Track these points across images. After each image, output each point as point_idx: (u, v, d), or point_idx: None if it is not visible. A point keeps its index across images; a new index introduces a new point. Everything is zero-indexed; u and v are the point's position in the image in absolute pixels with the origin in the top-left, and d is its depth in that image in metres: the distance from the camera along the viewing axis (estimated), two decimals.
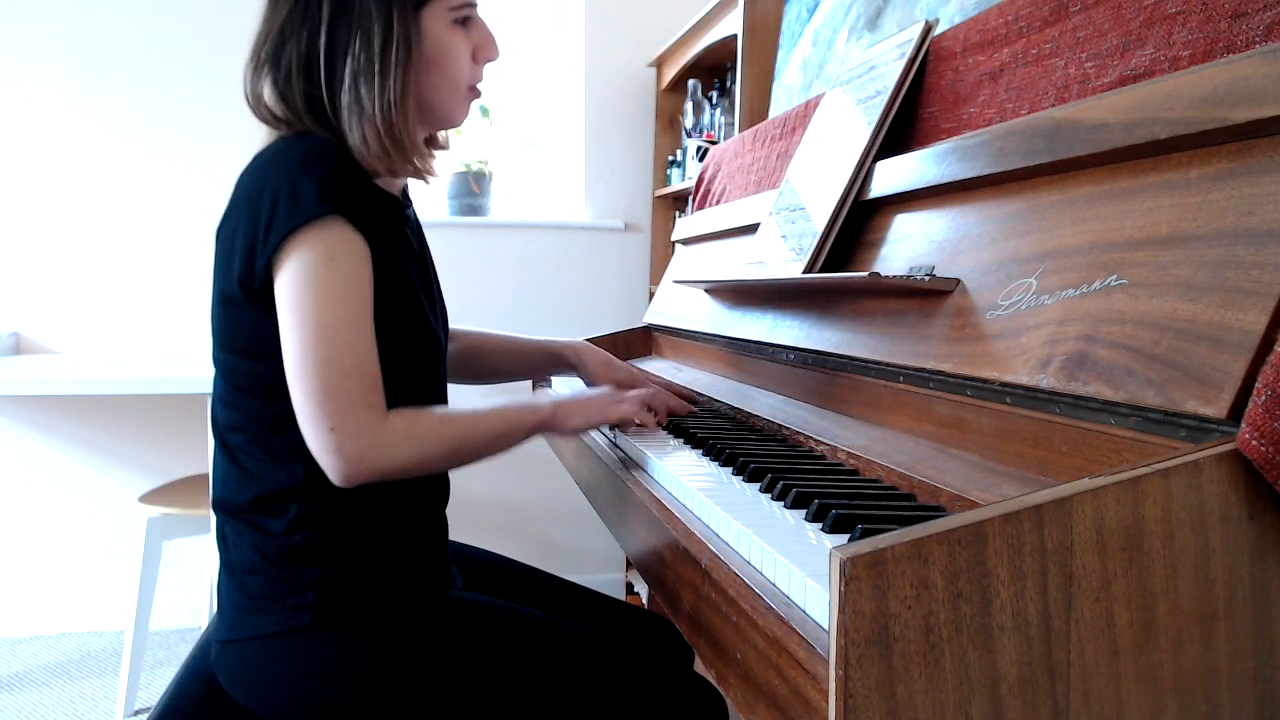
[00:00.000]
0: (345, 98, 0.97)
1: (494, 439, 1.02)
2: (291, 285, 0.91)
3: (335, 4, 0.97)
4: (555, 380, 1.74)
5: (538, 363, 1.42)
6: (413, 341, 1.04)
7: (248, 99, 1.02)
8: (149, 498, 2.22)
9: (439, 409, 1.00)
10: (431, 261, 1.17)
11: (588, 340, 1.46)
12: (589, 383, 1.42)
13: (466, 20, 1.03)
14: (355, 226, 0.94)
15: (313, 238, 0.91)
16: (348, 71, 0.97)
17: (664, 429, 1.23)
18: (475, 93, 1.08)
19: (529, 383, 1.90)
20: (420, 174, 1.06)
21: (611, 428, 1.22)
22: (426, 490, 1.08)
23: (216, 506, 1.03)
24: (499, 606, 1.05)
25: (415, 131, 1.02)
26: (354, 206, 0.94)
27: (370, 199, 0.98)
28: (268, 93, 1.00)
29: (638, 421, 1.16)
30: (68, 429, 2.65)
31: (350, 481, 0.92)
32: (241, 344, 0.98)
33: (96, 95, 2.60)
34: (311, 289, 0.91)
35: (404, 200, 1.11)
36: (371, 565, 0.99)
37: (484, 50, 1.06)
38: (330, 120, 0.99)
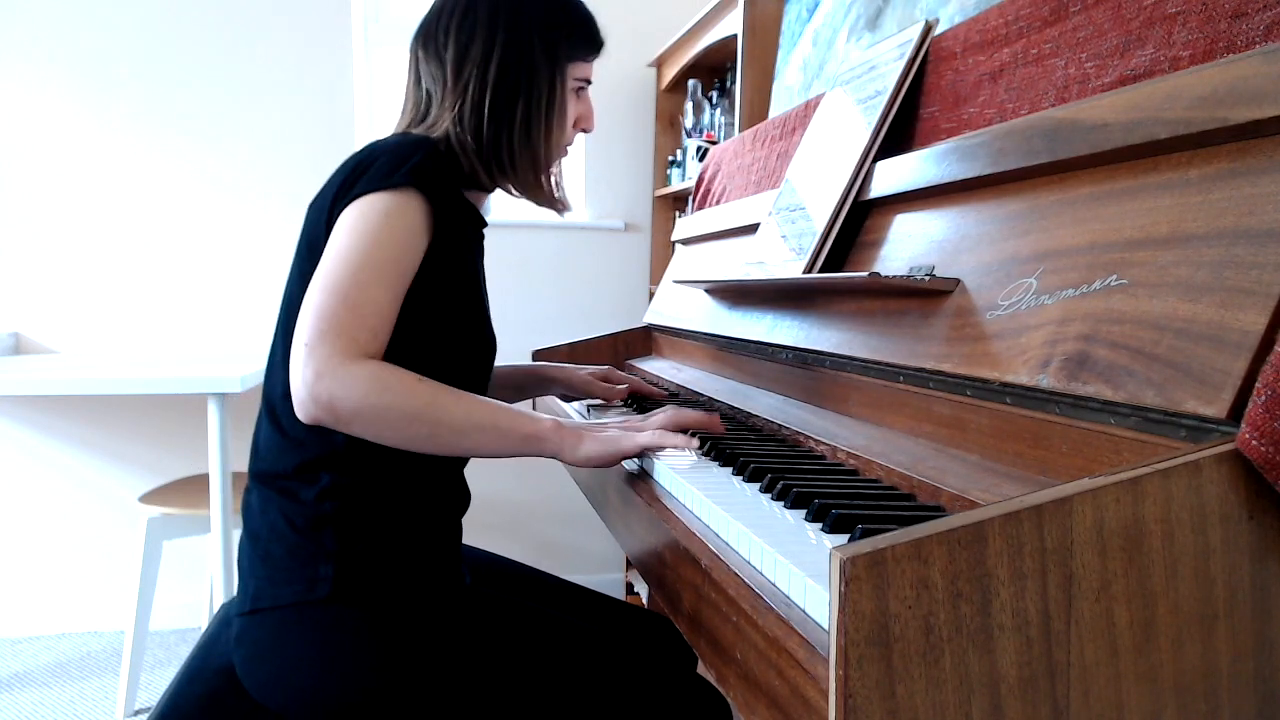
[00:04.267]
0: (518, 138, 1.10)
1: (473, 427, 0.96)
2: (344, 222, 0.97)
3: (510, 49, 1.09)
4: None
5: (512, 380, 1.45)
6: (471, 340, 1.08)
7: (425, 104, 1.12)
8: (149, 498, 2.22)
9: (420, 376, 0.97)
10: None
11: (587, 340, 1.47)
12: (568, 394, 1.45)
13: (580, 90, 1.18)
14: (430, 209, 0.99)
15: (384, 197, 0.97)
16: (519, 112, 1.10)
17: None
18: (565, 153, 1.20)
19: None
20: (556, 205, 1.19)
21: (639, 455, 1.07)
22: (449, 491, 1.10)
23: (255, 477, 1.05)
24: (510, 600, 1.06)
25: (553, 169, 1.17)
26: (436, 190, 1.00)
27: (457, 200, 1.06)
28: (449, 113, 1.09)
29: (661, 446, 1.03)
30: (68, 429, 2.65)
31: (306, 408, 0.91)
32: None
33: (97, 96, 2.60)
34: (358, 228, 0.95)
35: (483, 220, 1.17)
36: (390, 546, 1.00)
37: (585, 121, 1.20)
38: (487, 144, 1.09)
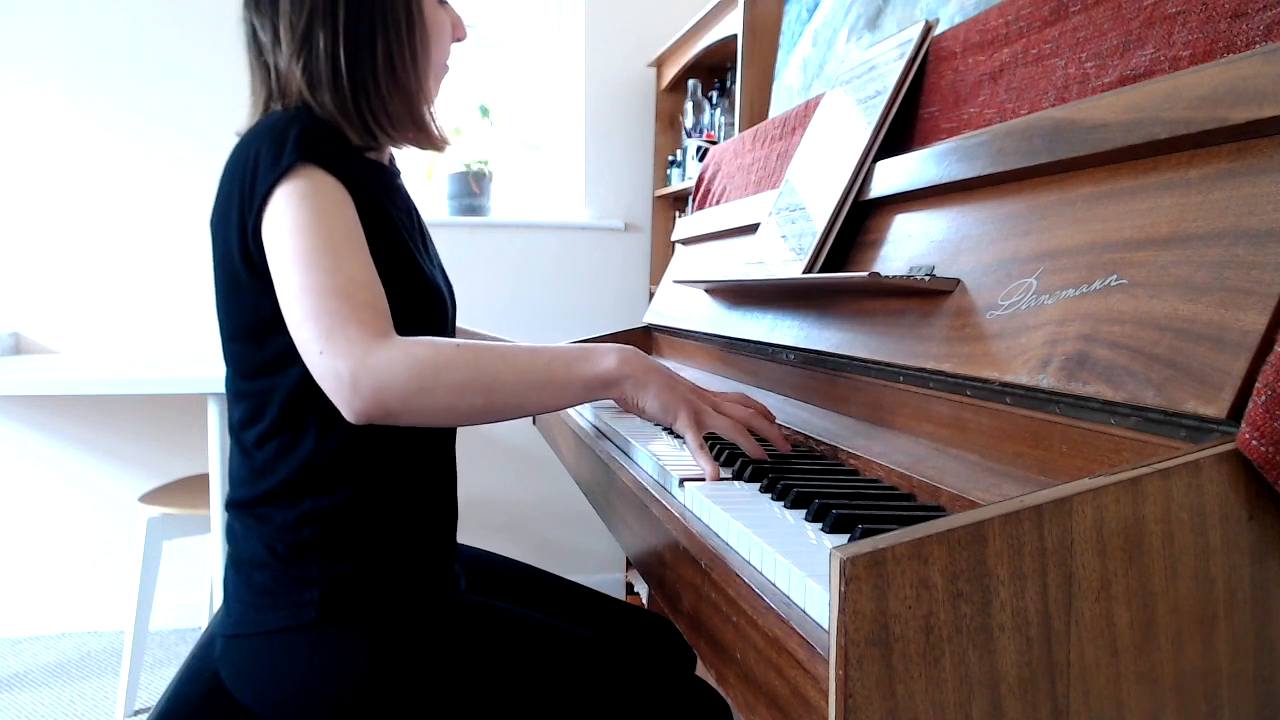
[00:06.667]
0: (382, 78, 1.01)
1: (528, 385, 0.90)
2: (271, 230, 0.91)
3: None
4: None
5: None
6: (412, 293, 1.02)
7: (271, 73, 1.02)
8: (149, 498, 2.22)
9: (457, 340, 0.92)
10: (428, 233, 1.17)
11: (586, 340, 1.46)
12: None
13: (443, 1, 1.09)
14: (330, 174, 0.94)
15: (287, 185, 0.91)
16: (379, 51, 1.00)
17: (660, 429, 1.23)
18: (448, 70, 1.13)
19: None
20: (438, 143, 1.09)
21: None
22: (435, 491, 1.08)
23: (232, 505, 1.03)
24: (503, 610, 1.04)
25: (432, 104, 1.08)
26: (328, 158, 0.94)
27: (349, 157, 0.99)
28: (298, 70, 0.99)
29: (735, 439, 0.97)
30: (68, 429, 2.65)
31: (357, 409, 0.86)
32: (248, 327, 0.98)
33: (96, 96, 2.60)
34: (287, 225, 0.90)
35: (393, 169, 1.12)
36: (377, 564, 0.99)
37: (458, 29, 1.11)
38: (350, 96, 1.00)
